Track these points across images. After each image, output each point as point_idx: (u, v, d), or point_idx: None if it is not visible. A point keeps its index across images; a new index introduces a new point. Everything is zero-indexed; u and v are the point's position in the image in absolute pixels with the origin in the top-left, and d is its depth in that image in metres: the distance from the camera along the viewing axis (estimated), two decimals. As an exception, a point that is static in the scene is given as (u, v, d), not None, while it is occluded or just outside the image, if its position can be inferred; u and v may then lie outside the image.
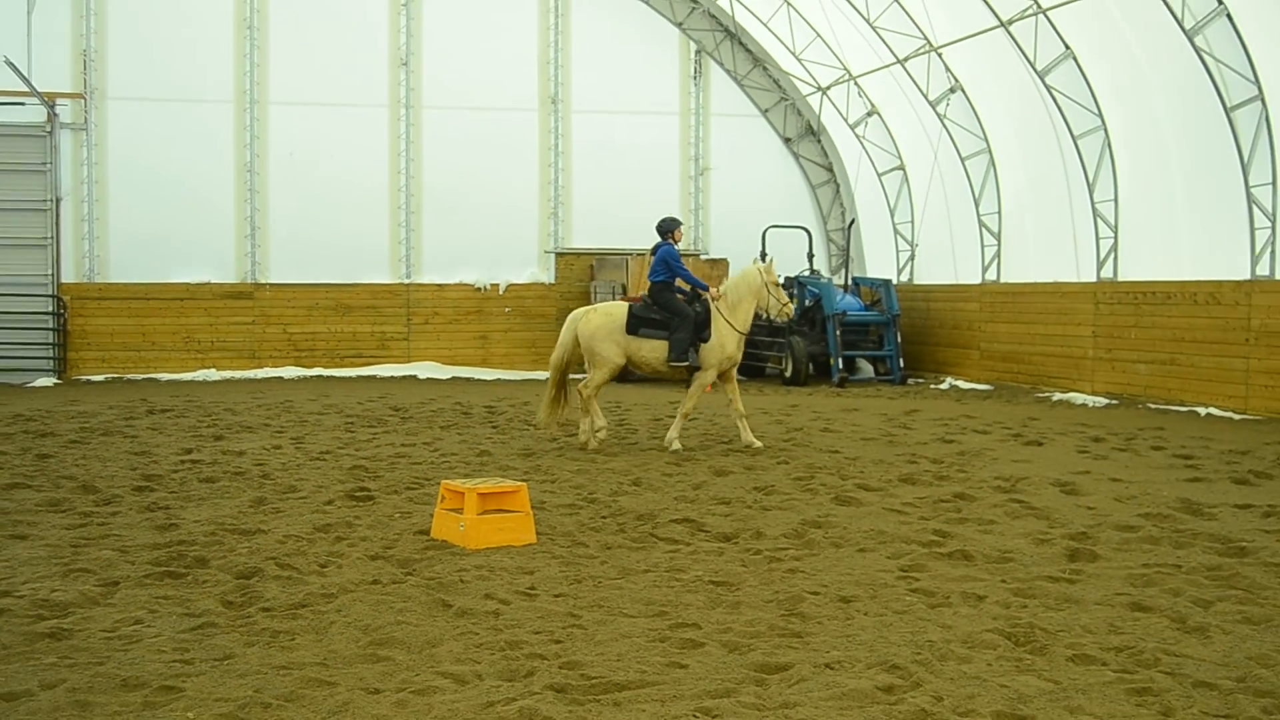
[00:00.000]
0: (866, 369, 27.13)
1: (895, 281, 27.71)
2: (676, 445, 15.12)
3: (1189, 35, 18.93)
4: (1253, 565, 8.85)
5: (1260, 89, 18.48)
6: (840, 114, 29.42)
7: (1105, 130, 21.87)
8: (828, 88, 29.32)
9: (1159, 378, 20.96)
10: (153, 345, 26.73)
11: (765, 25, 29.04)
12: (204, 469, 13.25)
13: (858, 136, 29.24)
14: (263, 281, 27.45)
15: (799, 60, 29.04)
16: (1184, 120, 20.36)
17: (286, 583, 8.30)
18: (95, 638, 7.04)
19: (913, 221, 28.42)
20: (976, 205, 25.92)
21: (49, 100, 25.84)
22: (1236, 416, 18.81)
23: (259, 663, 6.61)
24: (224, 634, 7.15)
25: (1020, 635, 7.10)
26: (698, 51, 30.07)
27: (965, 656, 6.74)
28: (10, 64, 24.46)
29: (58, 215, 26.13)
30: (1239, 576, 8.48)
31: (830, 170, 30.83)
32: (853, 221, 30.34)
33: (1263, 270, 18.95)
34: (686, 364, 15.20)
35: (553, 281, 29.03)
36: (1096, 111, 21.86)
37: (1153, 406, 20.38)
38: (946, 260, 27.47)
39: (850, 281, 27.66)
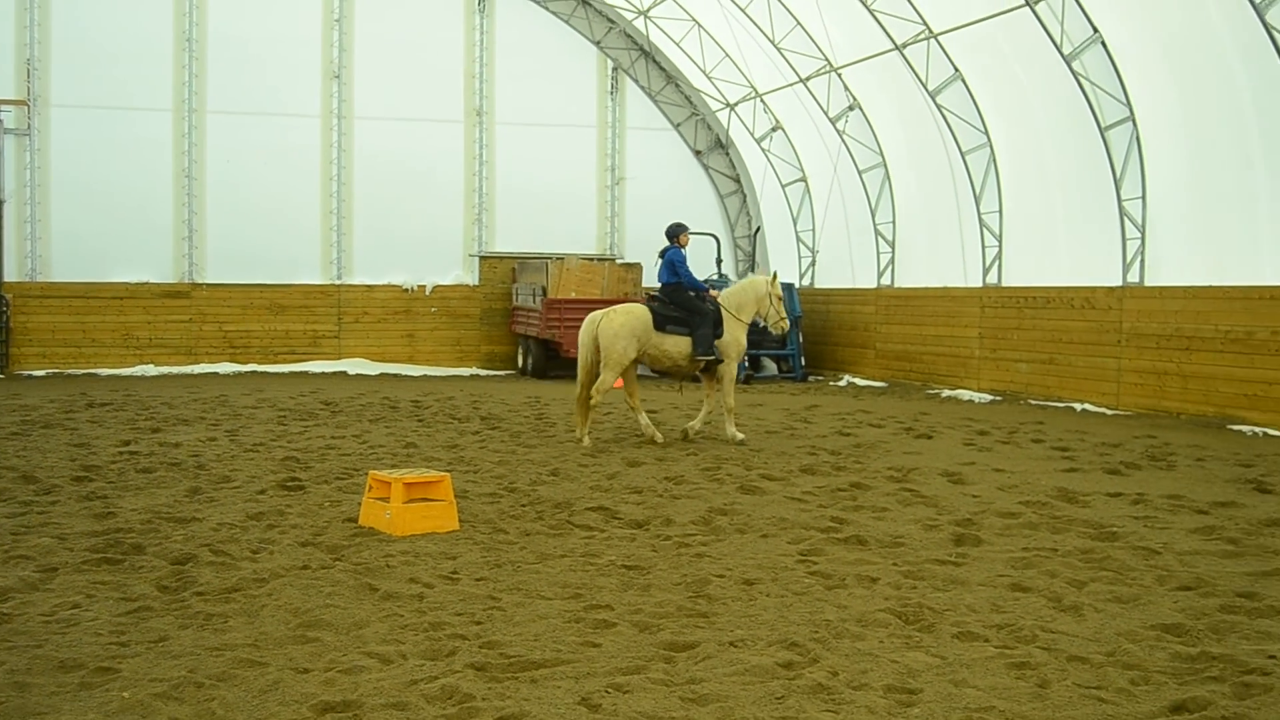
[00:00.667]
0: (771, 367, 27.29)
1: (797, 285, 27.88)
2: (740, 436, 15.12)
3: (1067, 60, 19.21)
4: (1122, 549, 8.99)
5: (1131, 111, 18.80)
6: (747, 129, 29.54)
7: (991, 147, 22.15)
8: (735, 104, 29.42)
9: (1039, 376, 21.27)
10: (93, 342, 26.21)
11: (678, 45, 29.10)
12: (141, 460, 13.01)
13: (763, 150, 29.38)
14: (200, 282, 27.02)
15: (709, 78, 29.12)
16: (1062, 138, 20.67)
17: (220, 568, 8.18)
18: (34, 621, 6.89)
19: (814, 230, 28.60)
20: (873, 215, 26.13)
21: (-8, 107, 25.30)
22: (1109, 412, 19.13)
23: (193, 644, 6.51)
24: (159, 617, 7.03)
25: (910, 614, 7.16)
26: (614, 69, 30.06)
27: (859, 634, 6.79)
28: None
29: (0, 217, 25.54)
30: (1110, 559, 8.61)
31: (738, 181, 30.94)
32: (758, 229, 30.48)
33: (1133, 277, 19.28)
34: (712, 357, 15.13)
35: (477, 283, 28.87)
36: (983, 129, 22.13)
37: (1033, 402, 20.67)
38: (845, 266, 27.68)
39: (756, 285, 27.74)
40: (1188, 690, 5.87)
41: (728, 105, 29.64)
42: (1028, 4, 19.38)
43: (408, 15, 28.37)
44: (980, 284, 22.86)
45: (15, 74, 25.99)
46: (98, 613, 7.09)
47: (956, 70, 22.03)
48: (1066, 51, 19.18)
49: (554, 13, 29.40)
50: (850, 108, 25.62)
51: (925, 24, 21.94)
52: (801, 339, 26.48)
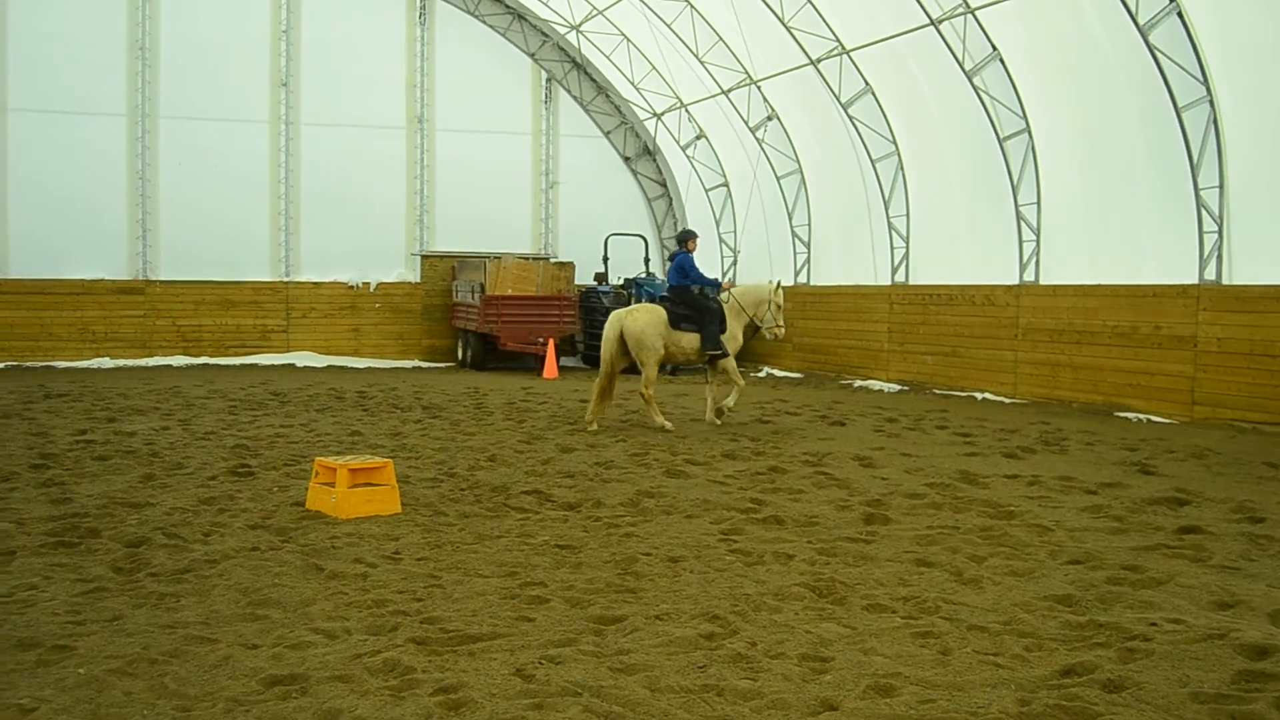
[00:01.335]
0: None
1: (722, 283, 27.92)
2: (718, 422, 15.64)
3: (969, 76, 19.42)
4: (1018, 526, 9.10)
5: (1027, 123, 19.04)
6: (673, 137, 29.57)
7: (899, 155, 22.33)
8: (662, 114, 29.43)
9: (943, 367, 21.50)
10: (50, 336, 25.70)
11: (608, 58, 29.06)
12: (97, 448, 12.79)
13: (688, 157, 29.41)
14: (153, 279, 26.59)
15: (637, 89, 29.11)
16: (965, 148, 20.89)
17: (173, 550, 8.06)
18: (-8, 602, 6.76)
19: (735, 231, 28.70)
20: (790, 218, 26.27)
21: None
22: (1007, 400, 19.38)
23: (146, 622, 6.41)
24: (114, 597, 6.91)
25: (823, 588, 7.21)
26: (548, 79, 29.96)
27: (776, 607, 6.82)
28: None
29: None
30: (1007, 536, 8.72)
31: (664, 186, 30.97)
32: (683, 230, 30.50)
33: (1029, 277, 19.55)
34: (719, 352, 15.47)
35: (418, 281, 28.67)
36: (891, 139, 22.31)
37: (937, 392, 20.89)
38: (764, 265, 27.77)
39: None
40: (1077, 655, 5.96)
41: (655, 115, 29.64)
42: (932, 23, 19.56)
43: (352, 27, 28.11)
44: (889, 282, 23.06)
45: (-27, 80, 25.45)
46: (54, 593, 6.96)
47: (867, 84, 22.19)
48: (968, 67, 19.39)
49: (491, 26, 29.25)
50: (769, 118, 25.72)
51: (838, 41, 22.08)
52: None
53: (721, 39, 25.07)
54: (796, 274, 26.18)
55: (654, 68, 28.13)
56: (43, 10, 25.80)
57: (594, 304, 27.49)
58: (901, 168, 22.41)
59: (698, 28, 25.30)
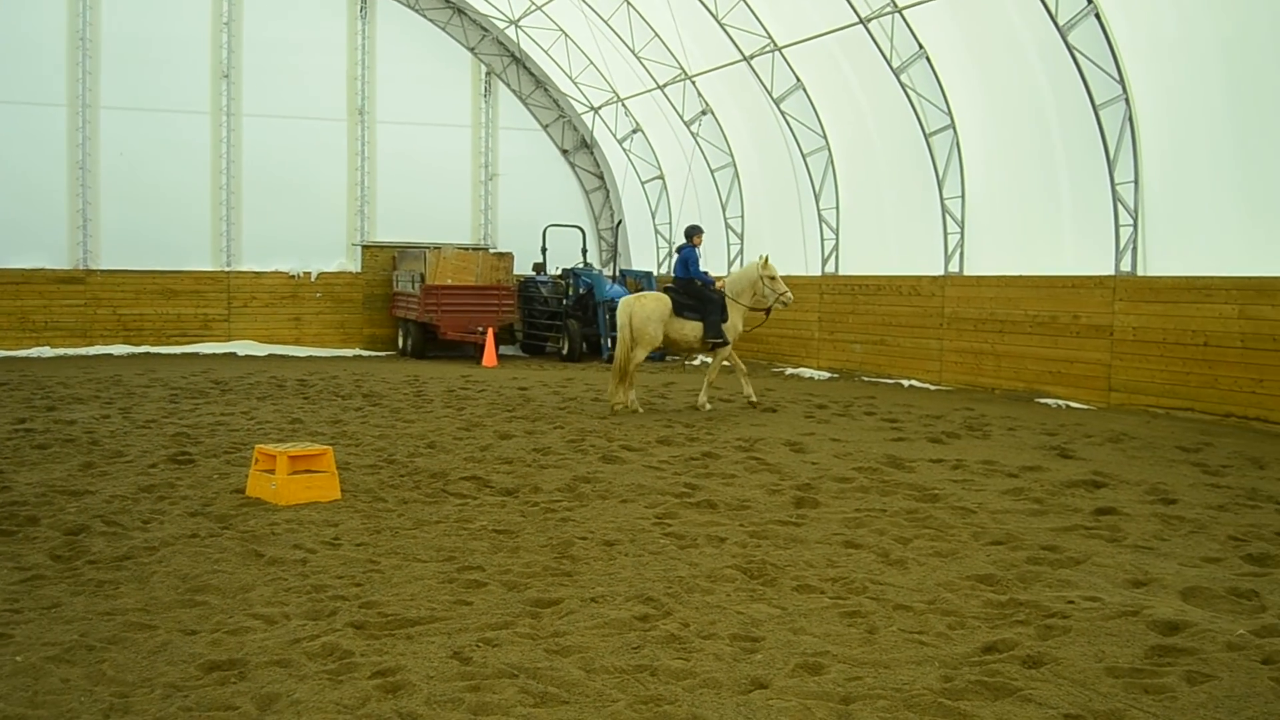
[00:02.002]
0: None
1: (656, 274, 27.94)
2: (709, 407, 15.98)
3: (896, 73, 19.54)
4: (943, 509, 9.19)
5: (952, 119, 19.21)
6: (610, 130, 29.50)
7: (829, 149, 22.44)
8: (599, 107, 29.36)
9: (871, 355, 21.66)
10: (-11, 325, 25.19)
11: (546, 52, 28.92)
12: (37, 436, 12.52)
13: (624, 150, 29.37)
14: (94, 268, 26.10)
15: (575, 83, 29.01)
16: (892, 143, 21.03)
17: (112, 538, 7.91)
18: (-72, 590, 6.59)
19: (670, 223, 28.70)
20: (723, 210, 26.32)
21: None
22: (932, 387, 19.56)
23: (84, 610, 6.28)
24: (52, 585, 6.77)
25: (754, 570, 7.23)
26: (488, 73, 29.77)
27: (708, 589, 6.83)
28: None
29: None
30: (932, 518, 8.80)
31: (601, 178, 30.91)
32: (620, 222, 30.49)
33: (954, 267, 19.73)
34: (720, 340, 15.80)
35: (359, 270, 28.38)
36: (821, 134, 22.42)
37: (866, 379, 21.04)
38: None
39: (618, 273, 27.79)
40: (998, 633, 6.03)
41: (592, 108, 29.56)
42: (861, 22, 19.66)
43: (293, 20, 27.72)
44: (819, 273, 23.18)
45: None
46: (-9, 581, 6.81)
47: (798, 80, 22.27)
48: (895, 65, 19.51)
49: (431, 20, 29.00)
50: (703, 112, 25.74)
51: (770, 38, 22.13)
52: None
53: (657, 35, 25.03)
54: (730, 264, 26.23)
55: (591, 63, 28.04)
56: (-19, 0, 25.22)
57: (532, 294, 27.43)
58: (831, 161, 22.52)
59: (634, 24, 25.25)
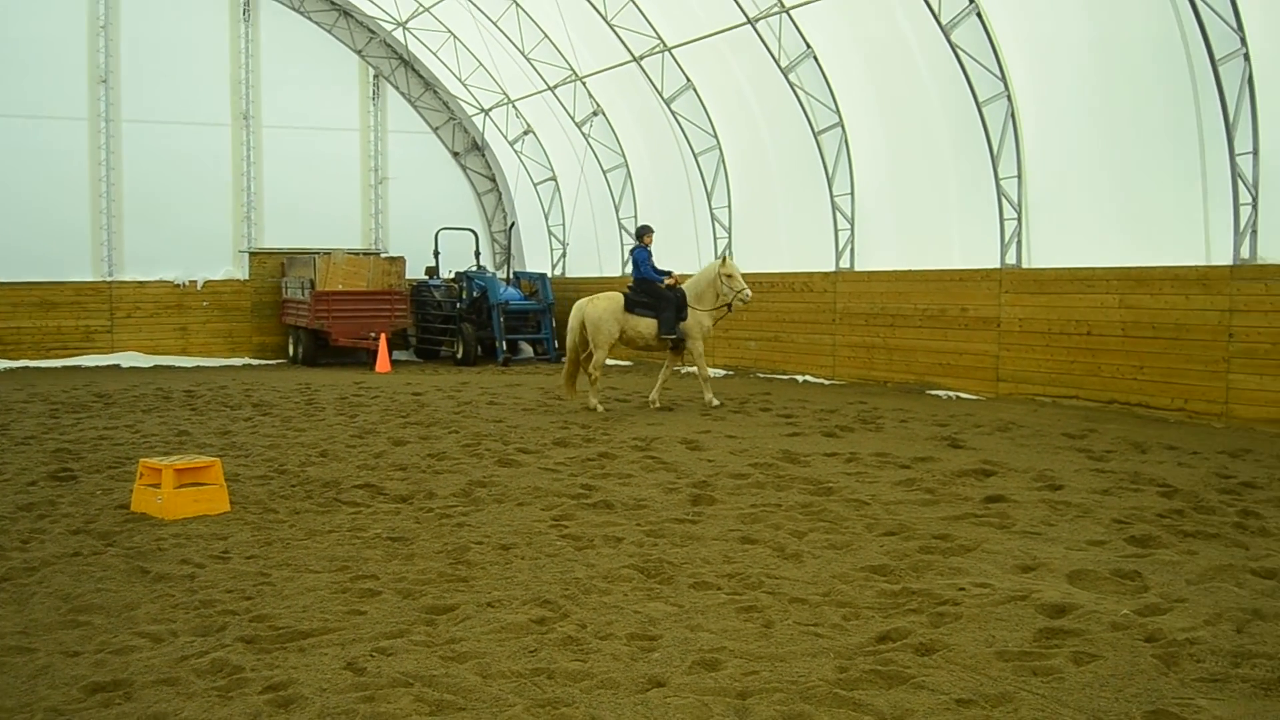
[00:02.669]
0: (527, 350, 27.29)
1: (550, 275, 27.89)
2: (716, 402, 16.22)
3: (785, 72, 19.75)
4: (837, 501, 9.30)
5: (841, 117, 19.46)
6: (501, 132, 29.36)
7: (720, 149, 22.60)
8: (490, 109, 29.20)
9: (766, 352, 21.85)
10: None
11: (435, 54, 28.68)
12: (-93, 456, 12.08)
13: (516, 152, 29.25)
14: (-33, 281, 25.25)
15: (465, 85, 28.81)
16: (782, 141, 21.24)
17: (-12, 558, 7.65)
18: None
19: (564, 224, 28.68)
20: (616, 211, 26.35)
21: None
22: (826, 382, 19.80)
23: (-42, 634, 6.07)
24: (-77, 609, 6.53)
25: (651, 569, 7.24)
26: (376, 76, 29.43)
27: (605, 589, 6.83)
28: None
29: None
30: (826, 511, 8.89)
31: (493, 180, 30.75)
32: (513, 224, 30.38)
33: (845, 263, 20.00)
34: (674, 336, 15.99)
35: (247, 278, 27.80)
36: (713, 133, 22.56)
37: (761, 375, 21.22)
38: (593, 257, 27.84)
39: (512, 275, 27.72)
40: (891, 622, 6.11)
41: (483, 110, 29.39)
42: (749, 22, 19.82)
43: (173, 22, 27.07)
44: (713, 272, 23.29)
45: None
46: None
47: (689, 80, 22.38)
48: (784, 64, 19.71)
49: (317, 23, 28.58)
50: (594, 113, 25.75)
51: (660, 38, 22.22)
52: (555, 324, 26.52)
53: (547, 36, 24.97)
54: (624, 265, 26.27)
55: (481, 64, 27.87)
56: None
57: (425, 298, 27.19)
58: (723, 160, 22.68)
59: (523, 25, 25.15)
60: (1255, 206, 13.68)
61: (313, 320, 25.18)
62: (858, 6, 18.39)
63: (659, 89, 22.98)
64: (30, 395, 18.54)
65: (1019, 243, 16.84)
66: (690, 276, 16.82)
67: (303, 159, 28.37)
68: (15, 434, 13.89)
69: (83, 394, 18.73)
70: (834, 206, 19.96)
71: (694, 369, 16.56)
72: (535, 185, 29.25)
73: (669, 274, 16.59)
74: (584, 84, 25.36)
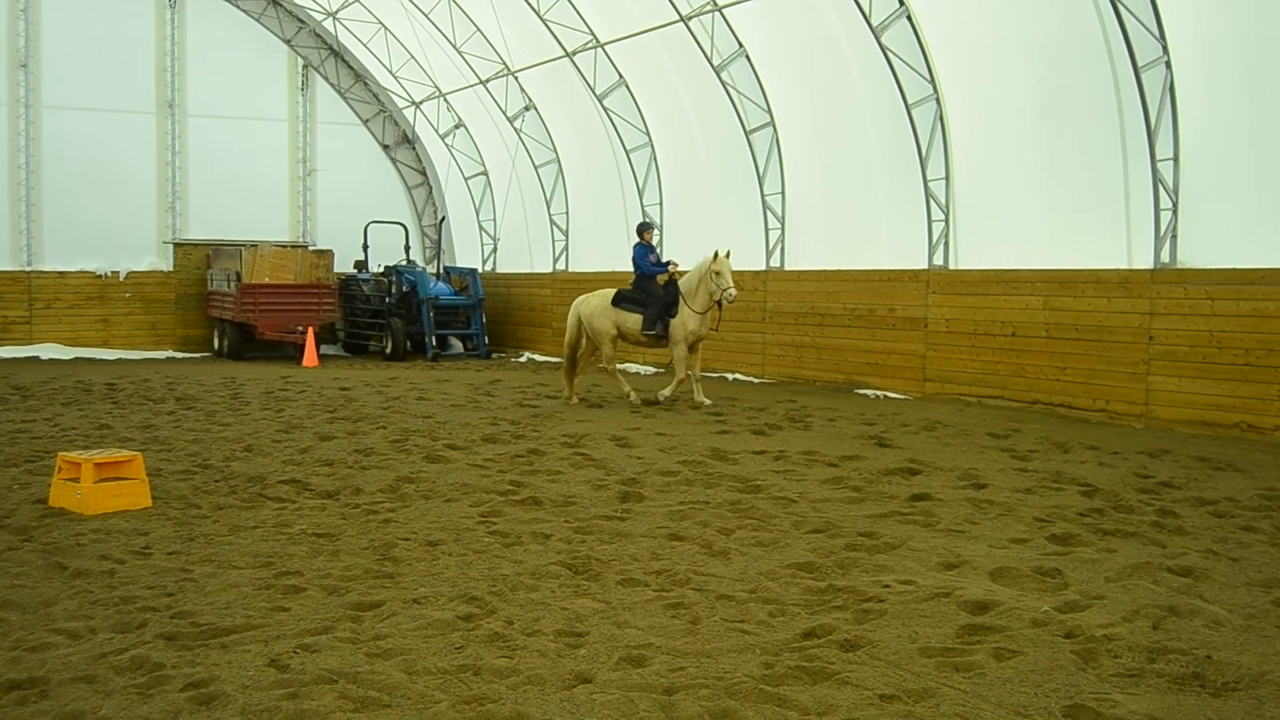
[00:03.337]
0: (457, 345, 27.14)
1: (480, 270, 27.80)
2: (707, 401, 16.12)
3: (717, 71, 19.83)
4: (765, 499, 9.37)
5: (772, 117, 19.59)
6: (432, 125, 29.17)
7: (652, 146, 22.64)
8: (421, 102, 29.00)
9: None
10: None
11: (365, 46, 28.43)
12: None
13: (447, 146, 29.08)
14: (-121, 269, 24.61)
15: (395, 78, 28.59)
16: (714, 139, 21.33)
17: (-102, 554, 7.47)
18: None
19: (495, 220, 28.57)
20: (548, 206, 26.30)
21: None
22: (756, 380, 19.92)
23: None
24: None
25: (579, 565, 7.24)
26: (305, 66, 29.10)
27: (533, 586, 6.82)
28: None
29: None
30: (754, 509, 8.96)
31: (424, 174, 30.55)
32: (444, 219, 30.20)
33: (775, 262, 20.12)
34: (654, 333, 16.13)
35: (171, 269, 27.38)
36: (645, 130, 22.60)
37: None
38: (524, 253, 27.77)
39: (442, 270, 27.55)
40: (817, 619, 6.18)
41: (413, 103, 29.18)
42: (682, 20, 19.88)
43: (97, 7, 26.56)
44: (644, 269, 23.33)
45: None
46: None
47: (621, 77, 22.40)
48: (716, 63, 19.79)
49: (245, 11, 28.20)
50: (526, 108, 25.67)
51: (593, 34, 22.21)
52: (485, 320, 26.44)
53: (479, 30, 24.86)
54: (555, 260, 26.25)
55: (412, 57, 27.66)
56: None
57: (354, 292, 26.96)
58: (655, 158, 22.72)
59: (455, 18, 25.01)
60: (1175, 212, 13.98)
61: (238, 313, 24.87)
62: (790, 7, 18.51)
63: (591, 85, 22.96)
64: (-56, 387, 18.12)
65: (946, 244, 17.06)
66: (687, 272, 16.68)
67: (230, 149, 27.99)
68: (-72, 426, 13.58)
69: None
70: (765, 205, 20.08)
71: (696, 374, 16.54)
72: (466, 179, 29.10)
73: (668, 266, 16.56)
74: (516, 78, 25.28)
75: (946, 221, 17.01)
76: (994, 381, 16.23)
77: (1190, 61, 13.70)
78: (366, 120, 29.87)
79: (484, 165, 28.51)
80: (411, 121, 29.76)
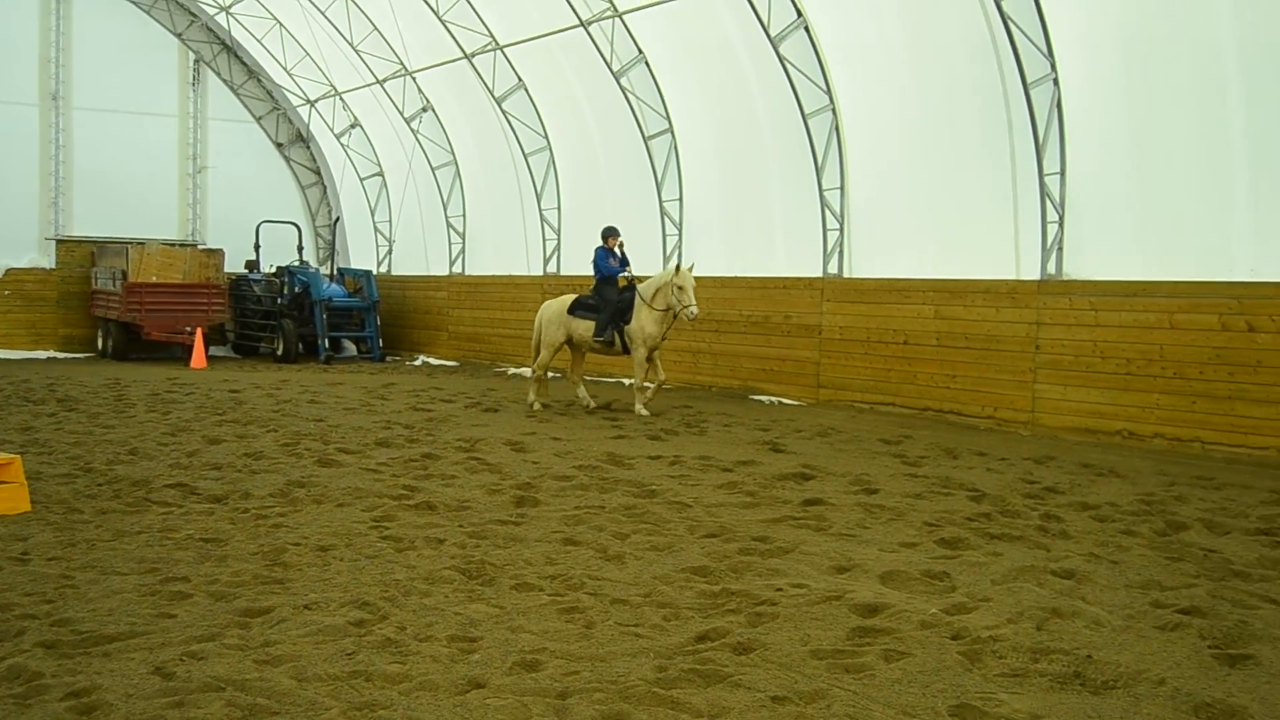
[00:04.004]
0: (350, 348, 26.81)
1: (375, 272, 27.50)
2: (644, 413, 15.73)
3: (616, 76, 19.89)
4: (660, 504, 9.41)
5: (670, 123, 19.71)
6: (327, 124, 28.79)
7: (550, 150, 22.62)
8: (316, 100, 28.60)
9: (594, 355, 21.86)
10: None
11: (259, 41, 27.96)
12: None
13: (342, 145, 28.73)
14: None
15: (290, 75, 28.16)
16: (613, 145, 21.38)
17: None
18: None
19: (390, 221, 28.29)
20: (445, 209, 26.13)
21: None
22: (651, 386, 19.94)
23: None
24: None
25: (473, 570, 7.21)
26: (196, 61, 28.51)
27: (426, 591, 6.77)
28: None
29: None
30: (649, 513, 9.00)
31: (318, 173, 30.14)
32: (338, 219, 29.81)
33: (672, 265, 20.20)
34: (604, 339, 16.00)
35: (53, 267, 26.62)
36: (544, 134, 22.57)
37: (589, 378, 21.25)
38: (420, 255, 27.55)
39: (336, 271, 27.20)
40: (710, 622, 6.23)
41: (308, 102, 28.77)
42: (582, 24, 19.91)
43: (-25, -5, 25.82)
44: (542, 273, 23.32)
45: None
46: None
47: (520, 80, 22.34)
48: (615, 68, 19.85)
49: (135, 3, 27.56)
50: (424, 109, 25.47)
51: (492, 36, 22.12)
52: (379, 322, 26.15)
53: (376, 28, 24.61)
54: (452, 263, 26.08)
55: (307, 54, 27.28)
56: None
57: (244, 292, 26.49)
58: (553, 162, 22.70)
59: (352, 16, 24.73)
60: (1061, 224, 14.37)
61: (124, 313, 24.27)
62: (690, 15, 18.64)
63: (490, 87, 22.87)
64: None
65: (841, 253, 17.31)
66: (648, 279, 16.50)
67: (117, 144, 27.29)
68: None
69: None
70: (662, 211, 20.18)
71: (661, 380, 16.45)
72: (362, 180, 28.78)
73: (623, 270, 16.43)
74: (414, 79, 25.07)
75: (841, 230, 17.26)
76: (886, 389, 16.52)
77: (1078, 81, 14.10)
78: (260, 117, 29.38)
79: (380, 166, 28.22)
80: (306, 120, 29.34)
